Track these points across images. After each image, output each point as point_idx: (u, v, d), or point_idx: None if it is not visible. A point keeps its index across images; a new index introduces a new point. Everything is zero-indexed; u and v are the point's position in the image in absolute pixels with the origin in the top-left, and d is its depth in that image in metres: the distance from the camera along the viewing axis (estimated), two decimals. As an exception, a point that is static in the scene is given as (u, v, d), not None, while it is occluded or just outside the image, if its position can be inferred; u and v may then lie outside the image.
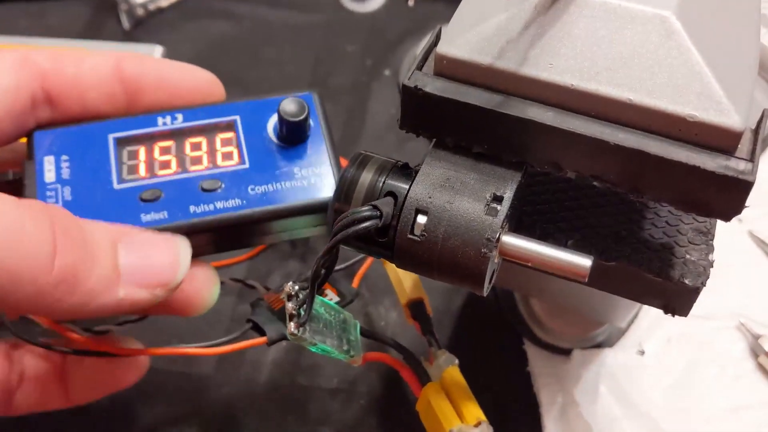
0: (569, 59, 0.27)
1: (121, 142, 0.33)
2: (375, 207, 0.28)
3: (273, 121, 0.35)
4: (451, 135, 0.29)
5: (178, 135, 0.34)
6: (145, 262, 0.29)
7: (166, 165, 0.33)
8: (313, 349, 0.31)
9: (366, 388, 0.44)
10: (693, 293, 0.30)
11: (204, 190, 0.33)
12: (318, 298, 0.31)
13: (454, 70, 0.28)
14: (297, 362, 0.45)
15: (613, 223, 0.32)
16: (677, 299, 0.31)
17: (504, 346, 0.45)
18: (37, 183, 0.32)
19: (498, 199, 0.27)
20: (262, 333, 0.35)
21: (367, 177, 0.29)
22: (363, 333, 0.36)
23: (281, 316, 0.35)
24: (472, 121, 0.28)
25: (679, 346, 0.45)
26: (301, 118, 0.34)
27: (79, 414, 0.40)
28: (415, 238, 0.28)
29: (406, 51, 0.56)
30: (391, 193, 0.29)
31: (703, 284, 0.30)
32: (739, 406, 0.43)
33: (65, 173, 0.33)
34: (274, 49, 0.56)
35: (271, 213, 0.33)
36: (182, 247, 0.31)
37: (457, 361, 0.37)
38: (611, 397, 0.43)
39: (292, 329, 0.29)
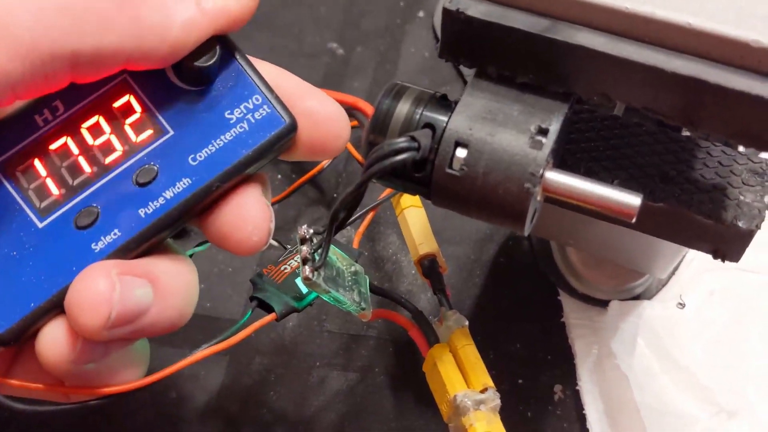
0: (624, -20, 0.25)
1: (9, 167, 0.26)
2: (413, 138, 0.26)
3: None
4: (494, 63, 0.27)
5: (69, 127, 0.27)
6: None
7: (76, 169, 0.27)
8: (325, 297, 0.30)
9: (377, 334, 0.43)
10: (746, 237, 0.28)
11: (141, 184, 0.27)
12: (332, 246, 0.30)
13: (498, -8, 0.26)
14: (323, 308, 0.44)
15: (662, 163, 0.30)
16: (728, 243, 0.29)
17: (538, 296, 0.44)
18: None
19: (543, 132, 0.26)
20: (268, 309, 0.32)
21: (403, 108, 0.28)
22: (373, 289, 0.35)
23: (286, 288, 0.33)
24: (517, 47, 0.26)
25: (721, 299, 0.43)
26: (211, 62, 0.27)
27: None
28: (454, 172, 0.26)
29: (440, -8, 0.54)
30: (429, 125, 0.27)
31: (758, 227, 0.28)
32: (783, 363, 0.41)
33: None
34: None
35: (225, 175, 0.27)
36: None
37: (467, 323, 0.36)
38: (649, 350, 0.41)
39: (307, 273, 0.28)
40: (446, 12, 0.26)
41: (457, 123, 0.26)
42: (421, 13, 0.53)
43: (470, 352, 0.35)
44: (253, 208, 0.27)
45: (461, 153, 0.26)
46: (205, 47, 0.27)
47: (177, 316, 0.27)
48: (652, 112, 0.26)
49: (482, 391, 0.34)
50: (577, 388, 0.41)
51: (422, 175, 0.27)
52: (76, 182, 0.27)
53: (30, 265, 0.26)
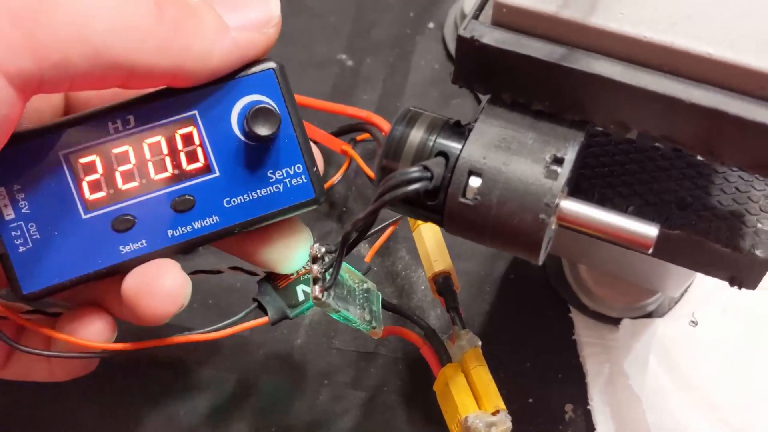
0: (642, 8, 0.24)
1: (73, 158, 0.30)
2: (425, 168, 0.26)
3: (236, 111, 0.30)
4: (509, 90, 0.27)
5: (133, 138, 0.30)
6: (242, 12, 0.30)
7: (128, 176, 0.30)
8: (335, 316, 0.30)
9: (387, 352, 0.43)
10: (764, 266, 0.28)
11: (177, 210, 0.30)
12: (344, 264, 0.30)
13: (513, 19, 0.26)
14: (333, 325, 0.43)
15: (678, 189, 0.29)
16: (746, 272, 0.29)
17: (549, 313, 0.44)
18: None
19: (558, 161, 0.25)
20: (266, 312, 0.34)
21: (417, 135, 0.27)
22: (385, 306, 0.35)
23: (285, 294, 0.34)
24: (533, 75, 0.26)
25: (734, 318, 0.43)
26: (271, 133, 0.30)
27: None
28: (468, 201, 0.26)
29: (451, 3, 0.53)
30: (443, 153, 0.27)
31: (776, 256, 0.28)
32: (797, 383, 0.41)
33: (24, 207, 0.29)
34: (317, 0, 0.54)
35: (249, 223, 0.31)
36: None
37: (479, 343, 0.36)
38: (661, 368, 0.41)
39: (317, 293, 0.28)
40: (461, 39, 0.26)
41: (470, 151, 0.26)
42: (431, 25, 0.53)
43: (483, 373, 0.35)
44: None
45: (475, 182, 0.26)
46: (272, 116, 0.30)
47: None
48: (671, 141, 0.25)
49: (494, 414, 0.34)
50: (589, 407, 0.41)
51: (435, 203, 0.27)
52: (124, 188, 0.30)
53: (65, 248, 0.30)
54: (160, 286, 0.30)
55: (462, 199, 0.26)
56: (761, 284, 0.43)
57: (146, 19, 0.27)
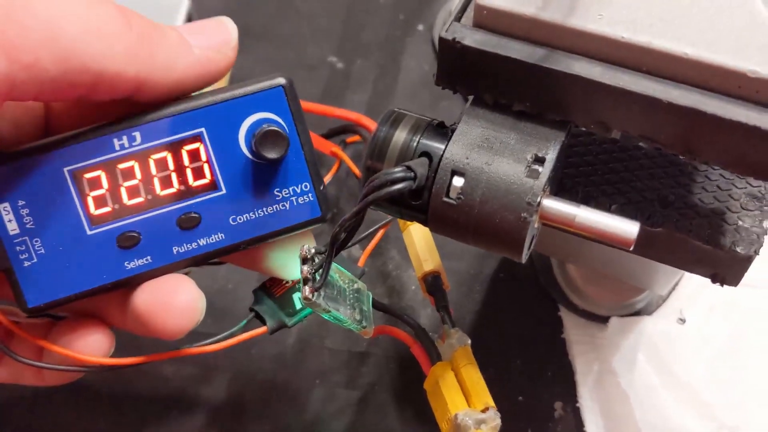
0: (621, 9, 0.25)
1: (78, 174, 0.29)
2: (409, 168, 0.26)
3: (245, 129, 0.30)
4: (491, 92, 0.27)
5: (139, 154, 0.30)
6: (201, 34, 0.30)
7: (134, 192, 0.30)
8: (326, 317, 0.30)
9: (378, 351, 0.43)
10: (745, 262, 0.28)
11: (183, 228, 0.30)
12: (334, 265, 0.30)
13: (495, 21, 0.26)
14: (325, 325, 0.44)
15: (660, 187, 0.30)
16: (727, 268, 0.29)
17: (538, 312, 0.44)
18: (2, 237, 0.29)
19: (540, 161, 0.26)
20: (264, 322, 0.34)
21: (401, 136, 0.28)
22: (376, 305, 0.35)
23: (281, 303, 0.34)
24: (514, 76, 0.26)
25: (722, 315, 0.43)
26: (280, 156, 0.30)
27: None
28: (451, 201, 0.26)
29: (440, 5, 0.54)
30: (426, 153, 0.27)
31: (757, 253, 0.28)
32: (785, 379, 0.41)
33: (29, 222, 0.29)
34: (306, 2, 0.55)
35: (255, 240, 0.31)
36: (227, 21, 0.31)
37: (469, 342, 0.36)
38: (650, 366, 0.41)
39: (307, 293, 0.28)
40: (442, 41, 0.26)
41: (453, 152, 0.26)
42: (420, 27, 0.53)
43: (472, 372, 0.35)
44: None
45: (458, 182, 0.26)
46: (281, 140, 0.29)
47: None
48: (650, 140, 0.26)
49: (483, 411, 0.34)
50: (578, 405, 0.41)
51: (420, 202, 0.27)
52: (129, 204, 0.30)
53: (70, 263, 0.30)
54: (176, 302, 0.30)
55: (445, 199, 0.26)
56: (748, 281, 0.43)
57: (115, 25, 0.27)
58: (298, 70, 0.52)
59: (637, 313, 0.43)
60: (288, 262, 0.32)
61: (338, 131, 0.46)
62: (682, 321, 0.43)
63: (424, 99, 0.50)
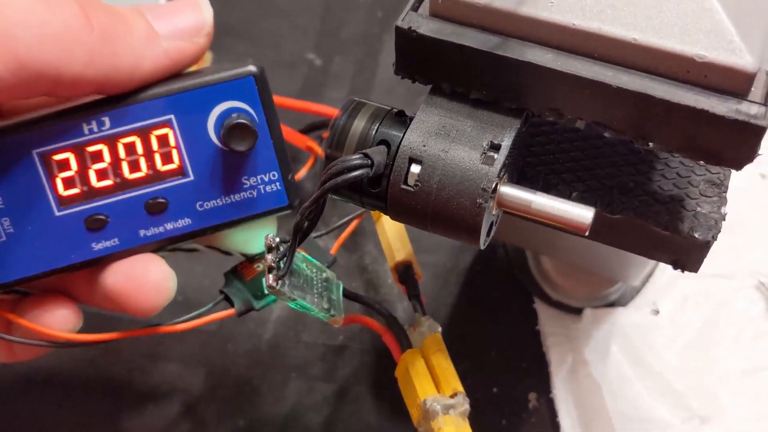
0: (571, -3, 0.25)
1: (46, 156, 0.29)
2: (366, 155, 0.27)
3: (214, 117, 0.30)
4: (448, 80, 0.27)
5: (108, 138, 0.30)
6: (173, 19, 0.29)
7: (102, 175, 0.30)
8: (292, 305, 0.30)
9: (354, 344, 0.44)
10: (703, 247, 0.29)
11: (150, 212, 0.31)
12: (301, 254, 0.30)
13: (450, 10, 0.26)
14: (301, 319, 0.44)
15: (620, 174, 0.30)
16: (687, 254, 0.29)
17: (513, 304, 0.44)
18: None
19: (495, 148, 0.26)
20: (233, 304, 0.34)
21: (359, 124, 0.28)
22: (347, 294, 0.35)
23: (251, 286, 0.35)
24: (469, 64, 0.26)
25: (695, 306, 0.43)
26: (248, 149, 0.30)
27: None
28: (409, 188, 0.27)
29: (419, 2, 0.54)
30: (385, 141, 0.27)
31: (714, 238, 0.28)
32: (757, 368, 0.41)
33: None
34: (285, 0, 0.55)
35: (221, 226, 0.32)
36: (202, 3, 0.31)
37: (440, 329, 0.36)
38: (623, 356, 0.42)
39: (270, 281, 0.29)
40: (399, 30, 0.26)
41: (411, 139, 0.27)
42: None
43: (442, 358, 0.35)
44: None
45: (415, 169, 0.26)
46: (249, 133, 0.30)
47: None
48: (603, 126, 0.26)
49: (452, 396, 0.34)
50: (552, 395, 0.42)
51: (379, 190, 0.27)
52: (98, 186, 0.30)
53: (38, 242, 0.30)
54: (148, 280, 0.30)
55: (403, 186, 0.27)
56: (721, 272, 0.44)
57: (74, 28, 0.26)
58: (277, 68, 0.52)
59: (611, 305, 0.43)
60: (249, 238, 0.33)
61: (315, 126, 0.47)
62: (656, 312, 0.43)
63: (401, 94, 0.51)
